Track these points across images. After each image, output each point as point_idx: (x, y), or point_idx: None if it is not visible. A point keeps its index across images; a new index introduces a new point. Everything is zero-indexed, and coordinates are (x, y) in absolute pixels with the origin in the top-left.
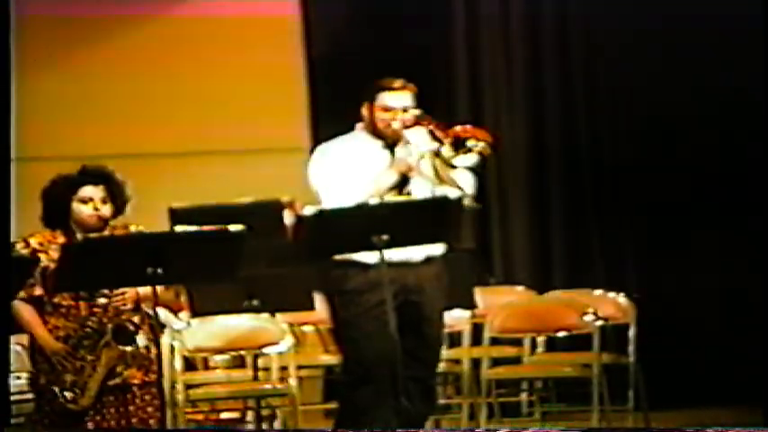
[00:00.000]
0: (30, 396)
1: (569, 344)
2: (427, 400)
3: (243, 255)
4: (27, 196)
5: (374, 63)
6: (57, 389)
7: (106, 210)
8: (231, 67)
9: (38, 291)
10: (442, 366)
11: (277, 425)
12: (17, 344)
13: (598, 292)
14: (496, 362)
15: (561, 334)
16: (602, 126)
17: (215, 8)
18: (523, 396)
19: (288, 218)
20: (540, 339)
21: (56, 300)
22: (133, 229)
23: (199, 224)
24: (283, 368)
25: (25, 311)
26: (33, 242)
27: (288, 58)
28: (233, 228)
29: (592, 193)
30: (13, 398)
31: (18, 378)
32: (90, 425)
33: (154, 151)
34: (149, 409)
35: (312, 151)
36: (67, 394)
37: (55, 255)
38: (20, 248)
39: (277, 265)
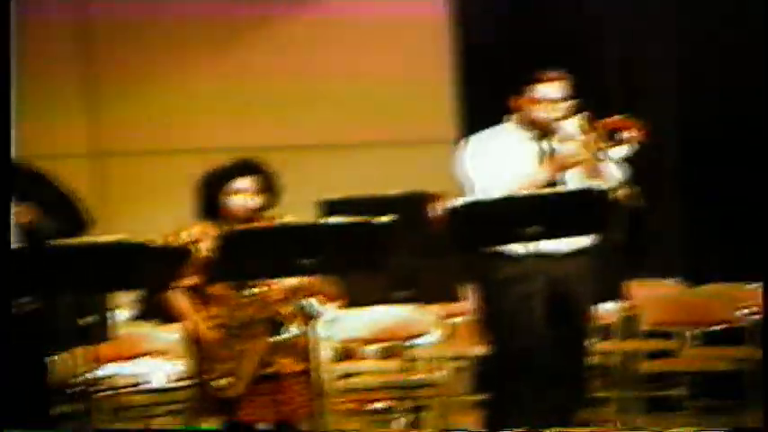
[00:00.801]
0: (187, 383)
1: (713, 338)
2: (577, 393)
3: (392, 246)
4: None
5: (523, 54)
6: (211, 376)
7: (258, 201)
8: (381, 61)
9: (193, 280)
10: (592, 359)
11: (426, 416)
12: (174, 332)
13: (752, 285)
14: (647, 356)
15: (715, 328)
16: (763, 113)
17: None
18: (675, 391)
19: (436, 209)
20: (688, 334)
21: (210, 289)
22: (285, 220)
23: (348, 216)
24: (433, 359)
25: (180, 301)
26: (190, 233)
27: (436, 51)
28: (382, 219)
29: (746, 185)
30: (169, 385)
31: (175, 366)
32: (243, 413)
33: (303, 143)
34: (301, 398)
35: (460, 144)
36: (222, 382)
37: (210, 245)
38: (174, 239)
39: (426, 257)
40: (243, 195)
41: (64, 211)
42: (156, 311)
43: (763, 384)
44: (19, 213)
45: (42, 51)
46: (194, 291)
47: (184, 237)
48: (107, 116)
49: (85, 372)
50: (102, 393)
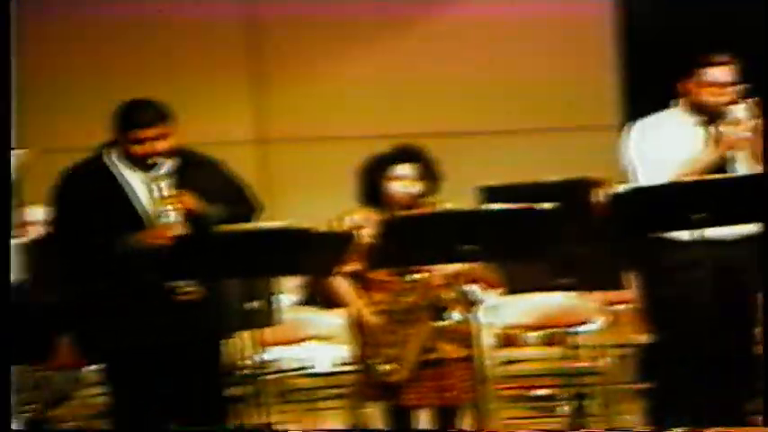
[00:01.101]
0: (351, 368)
1: None
2: (744, 383)
3: (553, 233)
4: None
5: (688, 38)
6: (376, 361)
7: (418, 187)
8: (543, 46)
9: (356, 266)
10: (757, 349)
11: (589, 404)
12: (338, 317)
13: None
14: None
15: None
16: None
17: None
18: None
19: (599, 196)
20: None
21: (374, 275)
22: (445, 206)
23: (509, 202)
24: (596, 347)
25: (343, 286)
26: (352, 219)
27: (599, 35)
28: (544, 205)
29: None
30: (335, 369)
31: (339, 350)
32: (408, 397)
33: (464, 130)
34: (465, 384)
35: (623, 129)
36: (386, 367)
37: (372, 231)
38: (337, 225)
39: (588, 244)
40: (403, 182)
41: (232, 197)
42: (319, 297)
43: (764, 382)
44: (187, 200)
45: (211, 46)
46: (356, 276)
47: (348, 223)
48: (272, 104)
49: (252, 355)
50: (268, 377)
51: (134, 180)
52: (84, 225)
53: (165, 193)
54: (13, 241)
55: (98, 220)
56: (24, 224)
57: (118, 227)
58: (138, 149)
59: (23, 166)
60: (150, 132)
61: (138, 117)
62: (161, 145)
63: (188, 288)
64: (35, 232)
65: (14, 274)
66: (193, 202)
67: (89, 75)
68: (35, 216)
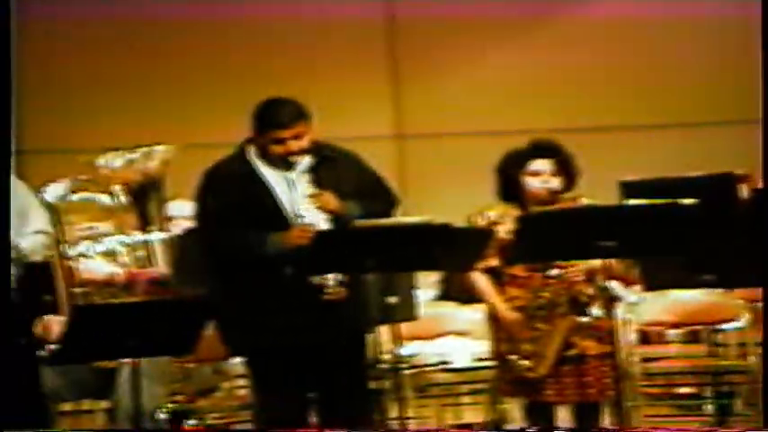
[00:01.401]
0: (489, 363)
1: None
2: None
3: (696, 229)
4: None
5: None
6: (515, 357)
7: (556, 183)
8: (684, 41)
9: (494, 262)
10: None
11: (735, 403)
12: (477, 312)
13: None
14: None
15: None
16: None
17: None
18: None
19: (743, 191)
20: None
21: (512, 271)
22: (584, 202)
23: (650, 198)
24: (741, 344)
25: (482, 281)
26: (490, 215)
27: (743, 29)
28: (686, 201)
29: None
30: (473, 364)
31: (478, 346)
32: (548, 393)
33: (602, 125)
34: (606, 380)
35: None
36: (525, 363)
37: (511, 227)
38: (477, 221)
39: (731, 240)
40: (541, 177)
41: (370, 190)
42: (458, 292)
43: (764, 384)
44: (327, 199)
45: (353, 46)
46: (494, 272)
47: (487, 218)
48: (410, 100)
49: (391, 350)
50: (406, 371)
51: (273, 178)
52: (228, 222)
53: (306, 191)
54: (155, 236)
55: (243, 217)
56: (168, 219)
57: (264, 225)
58: (277, 149)
59: (166, 161)
60: (288, 132)
61: (276, 117)
62: (299, 144)
63: (335, 288)
64: (179, 227)
65: (161, 268)
66: (333, 200)
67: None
68: (179, 211)
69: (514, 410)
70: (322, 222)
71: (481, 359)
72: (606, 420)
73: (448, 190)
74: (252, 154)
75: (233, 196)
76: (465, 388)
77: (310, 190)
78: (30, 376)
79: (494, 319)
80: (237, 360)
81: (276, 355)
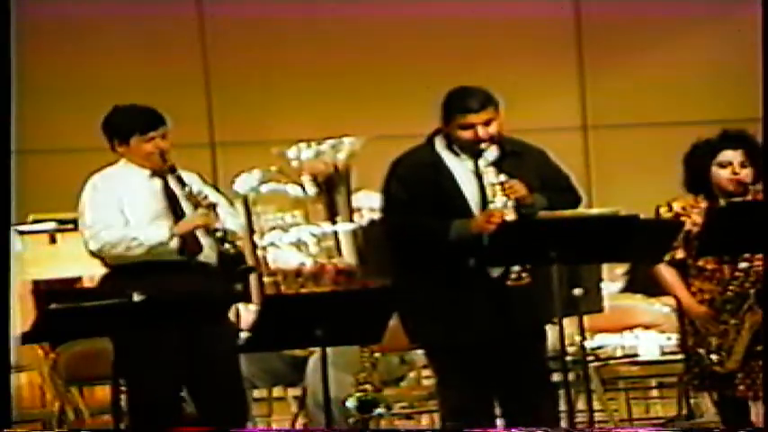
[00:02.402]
0: (679, 357)
1: None
2: None
3: None
4: None
5: None
6: (703, 351)
7: (746, 174)
8: None
9: (680, 254)
10: None
11: None
12: (665, 305)
13: None
14: None
15: None
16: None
17: None
18: None
19: None
20: None
21: (699, 263)
22: None
23: None
24: None
25: (668, 274)
26: (676, 206)
27: None
28: None
29: None
30: (661, 357)
31: (669, 339)
32: (740, 388)
33: None
34: None
35: None
36: (713, 357)
37: (698, 219)
38: (663, 212)
39: None
40: (731, 168)
41: (558, 186)
42: (645, 284)
43: (764, 383)
44: (516, 188)
45: (541, 42)
46: (681, 265)
47: (676, 209)
48: (596, 91)
49: (576, 342)
50: (592, 364)
51: (461, 168)
52: (413, 209)
53: (495, 180)
54: (342, 227)
55: (429, 207)
56: (356, 210)
57: (448, 214)
58: (464, 135)
59: (354, 153)
60: (478, 118)
61: (465, 102)
62: (488, 131)
63: (519, 273)
64: (366, 218)
65: (348, 259)
66: (523, 189)
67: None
68: (366, 202)
69: (705, 405)
70: (510, 211)
71: (669, 352)
72: None
73: (634, 181)
74: (439, 145)
75: (418, 184)
76: (653, 381)
77: (498, 178)
78: (229, 363)
79: (681, 312)
80: (422, 351)
81: (458, 346)
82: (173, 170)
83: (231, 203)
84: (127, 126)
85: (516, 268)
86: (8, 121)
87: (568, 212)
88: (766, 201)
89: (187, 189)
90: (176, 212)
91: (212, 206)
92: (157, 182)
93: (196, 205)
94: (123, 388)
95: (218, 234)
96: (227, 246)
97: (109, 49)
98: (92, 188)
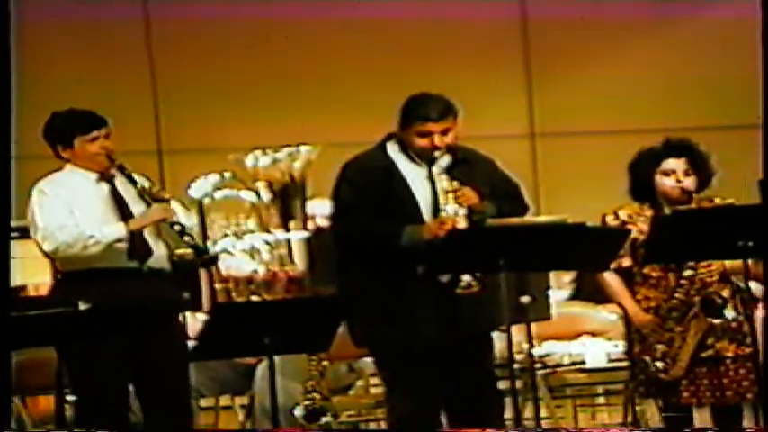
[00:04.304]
0: (624, 364)
1: None
2: None
3: None
4: None
5: None
6: (648, 358)
7: (690, 182)
8: None
9: (626, 262)
10: None
11: None
12: (612, 312)
13: None
14: None
15: None
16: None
17: None
18: None
19: None
20: None
21: (645, 270)
22: (718, 201)
23: None
24: None
25: (614, 282)
26: (622, 214)
27: None
28: None
29: None
30: (607, 365)
31: (615, 346)
32: (684, 395)
33: (739, 123)
34: (744, 383)
35: None
36: (659, 364)
37: (644, 227)
38: (610, 220)
39: None
40: (675, 176)
41: (507, 195)
42: (592, 291)
43: (764, 384)
44: (468, 195)
45: (487, 46)
46: (627, 272)
47: (622, 217)
48: (543, 99)
49: (525, 349)
50: (540, 371)
51: (414, 174)
52: (367, 216)
53: (448, 186)
54: (295, 235)
55: (380, 212)
56: (309, 217)
57: (399, 219)
58: (421, 142)
59: (309, 161)
60: (436, 126)
61: (426, 110)
62: (445, 140)
63: (469, 281)
64: (316, 225)
65: (299, 267)
66: (474, 197)
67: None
68: (319, 209)
69: (650, 412)
70: (461, 218)
71: (616, 359)
72: (748, 423)
73: (581, 189)
74: (392, 149)
75: (370, 187)
76: (600, 389)
77: (451, 185)
78: (176, 372)
79: (627, 319)
80: (371, 358)
81: (406, 353)
82: (122, 169)
83: (186, 207)
84: (68, 128)
85: (467, 277)
86: (8, 124)
87: (517, 220)
88: (766, 201)
89: (139, 186)
90: (125, 216)
91: (167, 201)
92: (104, 186)
93: (149, 202)
94: (67, 398)
95: (177, 228)
96: (186, 238)
97: (53, 54)
98: (39, 193)
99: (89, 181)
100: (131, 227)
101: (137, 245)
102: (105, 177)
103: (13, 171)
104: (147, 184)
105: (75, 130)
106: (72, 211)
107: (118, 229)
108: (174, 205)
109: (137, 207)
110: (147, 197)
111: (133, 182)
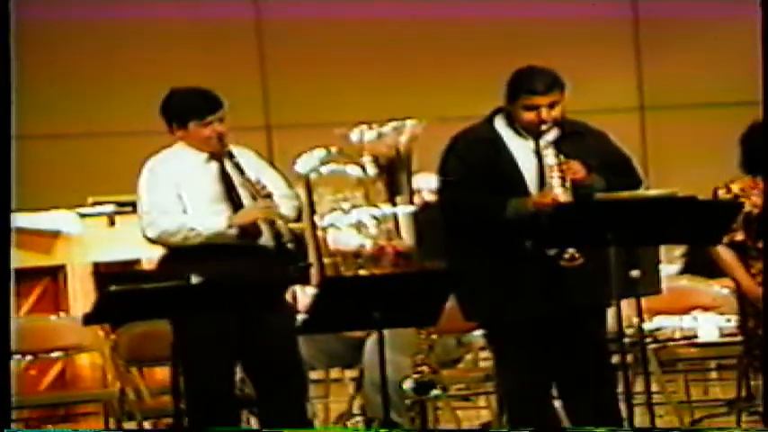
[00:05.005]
0: (737, 339)
1: None
2: None
3: None
4: None
5: None
6: (762, 333)
7: None
8: None
9: (739, 236)
10: None
11: None
12: (724, 287)
13: None
14: None
15: None
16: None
17: None
18: None
19: None
20: None
21: (759, 245)
22: None
23: None
24: None
25: (727, 256)
26: (735, 188)
27: None
28: None
29: None
30: (722, 339)
31: (728, 321)
32: None
33: None
34: None
35: None
36: None
37: (757, 200)
38: (722, 194)
39: None
40: None
41: (618, 168)
42: (703, 266)
43: (764, 380)
44: (575, 168)
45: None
46: (740, 246)
47: (734, 191)
48: (653, 72)
49: (635, 323)
50: (651, 345)
51: (520, 147)
52: (470, 185)
53: (554, 160)
54: (401, 209)
55: (486, 185)
56: (416, 192)
57: (505, 193)
58: (528, 116)
59: (415, 136)
60: (543, 100)
61: (533, 84)
62: (552, 113)
63: (573, 254)
64: (422, 200)
65: (406, 241)
66: (581, 170)
67: None
68: (426, 184)
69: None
70: (567, 192)
71: (729, 334)
72: None
73: (691, 162)
74: (499, 123)
75: (476, 161)
76: (712, 363)
77: (557, 159)
78: (287, 345)
79: (740, 294)
80: (480, 332)
81: (516, 327)
82: (230, 155)
83: (290, 184)
84: (185, 110)
85: (571, 249)
86: (8, 112)
87: (625, 194)
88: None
89: (246, 177)
90: (233, 198)
91: (269, 196)
92: (214, 165)
93: (253, 195)
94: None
95: (274, 230)
96: (283, 243)
97: (167, 32)
98: (148, 172)
99: (199, 160)
100: (233, 222)
101: (247, 229)
102: (215, 157)
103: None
104: (253, 176)
105: (191, 113)
106: (179, 192)
107: (219, 222)
108: (279, 184)
109: (243, 191)
110: (251, 190)
111: (241, 171)
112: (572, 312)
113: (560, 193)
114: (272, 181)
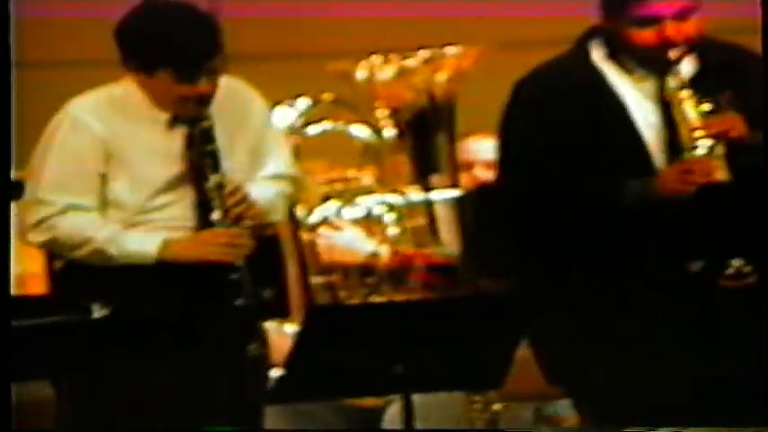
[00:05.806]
0: None
1: None
2: None
3: None
4: None
5: None
6: None
7: None
8: None
9: None
10: None
11: None
12: None
13: None
14: None
15: None
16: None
17: None
18: None
19: None
20: None
21: None
22: None
23: None
24: None
25: None
26: None
27: None
28: None
29: None
30: None
31: None
32: None
33: None
34: None
35: None
36: None
37: None
38: None
39: None
40: None
41: None
42: None
43: (764, 381)
44: (719, 124)
45: None
46: None
47: None
48: None
49: None
50: None
51: (635, 92)
52: (562, 163)
53: (694, 112)
54: (439, 195)
55: (583, 158)
56: (463, 166)
57: (613, 167)
58: (646, 36)
59: (461, 72)
60: (669, 7)
61: None
62: (682, 29)
63: (739, 267)
64: (475, 179)
65: (447, 247)
66: (741, 126)
67: None
68: (479, 154)
69: None
70: (718, 166)
71: None
72: None
73: None
74: (596, 54)
75: (564, 117)
76: None
77: (699, 108)
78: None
79: None
80: (569, 401)
81: (631, 397)
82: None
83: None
84: (161, 56)
85: (736, 262)
86: (8, 104)
87: None
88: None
89: (217, 167)
90: (200, 185)
91: (243, 201)
92: (179, 134)
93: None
94: None
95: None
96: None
97: None
98: (68, 124)
99: (158, 121)
100: (164, 254)
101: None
102: (184, 120)
103: None
104: (229, 164)
105: (167, 62)
106: (107, 172)
107: (145, 246)
108: (273, 140)
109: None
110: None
111: (213, 155)
112: (731, 366)
113: (712, 167)
114: (271, 153)
